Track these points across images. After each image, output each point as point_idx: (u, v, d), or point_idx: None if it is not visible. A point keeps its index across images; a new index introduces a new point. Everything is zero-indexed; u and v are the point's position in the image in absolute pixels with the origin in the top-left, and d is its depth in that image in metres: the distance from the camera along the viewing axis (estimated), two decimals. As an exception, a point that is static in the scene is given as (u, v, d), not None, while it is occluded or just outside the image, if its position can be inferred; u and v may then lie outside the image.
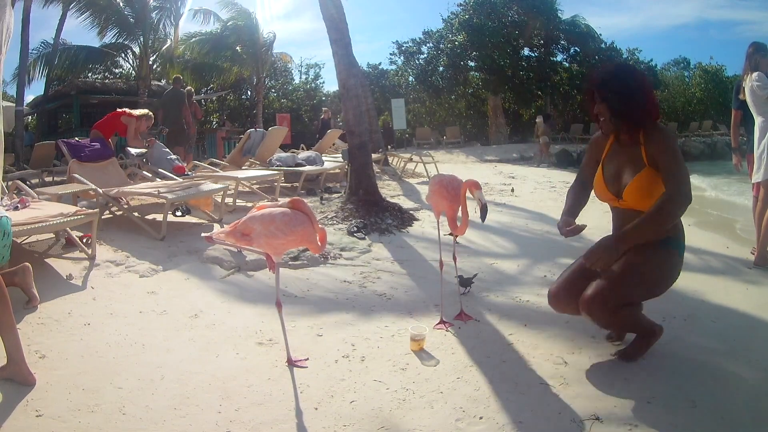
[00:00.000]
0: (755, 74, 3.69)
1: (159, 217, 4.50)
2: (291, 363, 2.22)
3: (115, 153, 5.58)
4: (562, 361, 2.24)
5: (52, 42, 13.82)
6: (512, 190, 7.58)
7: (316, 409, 1.90)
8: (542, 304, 2.95)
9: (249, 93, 22.38)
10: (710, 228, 5.27)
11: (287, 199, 2.26)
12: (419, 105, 24.74)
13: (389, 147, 12.78)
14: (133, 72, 16.50)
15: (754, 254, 3.78)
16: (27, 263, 2.82)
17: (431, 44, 23.11)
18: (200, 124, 13.92)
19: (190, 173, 5.94)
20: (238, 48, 17.30)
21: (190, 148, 8.80)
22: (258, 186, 6.28)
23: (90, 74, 17.13)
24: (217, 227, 4.47)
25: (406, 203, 5.99)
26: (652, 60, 24.59)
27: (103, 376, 2.10)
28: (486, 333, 2.57)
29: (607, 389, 2.00)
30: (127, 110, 6.05)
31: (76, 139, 5.33)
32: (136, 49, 14.77)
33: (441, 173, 3.04)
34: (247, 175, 5.78)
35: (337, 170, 7.96)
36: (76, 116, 15.41)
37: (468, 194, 2.50)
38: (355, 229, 4.48)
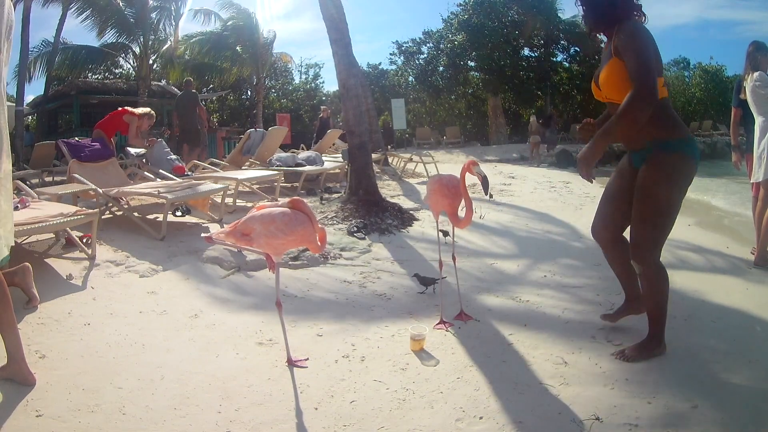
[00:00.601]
0: (756, 74, 3.68)
1: (159, 217, 4.50)
2: (291, 363, 2.22)
3: (115, 153, 5.57)
4: (562, 361, 2.24)
5: (52, 41, 13.82)
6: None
7: (316, 409, 1.90)
8: (542, 304, 2.96)
9: (249, 93, 22.41)
10: (710, 228, 5.26)
11: (287, 199, 2.26)
12: (419, 105, 24.75)
13: (389, 147, 12.78)
14: (133, 72, 16.52)
15: (754, 254, 3.78)
16: (27, 263, 2.82)
17: (431, 44, 23.15)
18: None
19: (189, 173, 5.94)
20: (238, 48, 17.31)
21: (204, 146, 9.27)
22: (258, 186, 6.28)
23: (90, 74, 17.17)
24: (217, 227, 4.47)
25: (406, 203, 5.99)
26: (652, 60, 24.53)
27: (103, 376, 2.10)
28: (486, 333, 2.57)
29: (607, 389, 2.00)
30: (129, 108, 6.03)
31: (76, 139, 5.32)
32: (136, 49, 14.78)
33: (440, 174, 3.04)
34: (247, 175, 5.77)
35: (337, 170, 7.96)
36: (76, 116, 15.41)
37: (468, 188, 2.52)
38: (355, 229, 4.48)
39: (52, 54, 13.71)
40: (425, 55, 23.38)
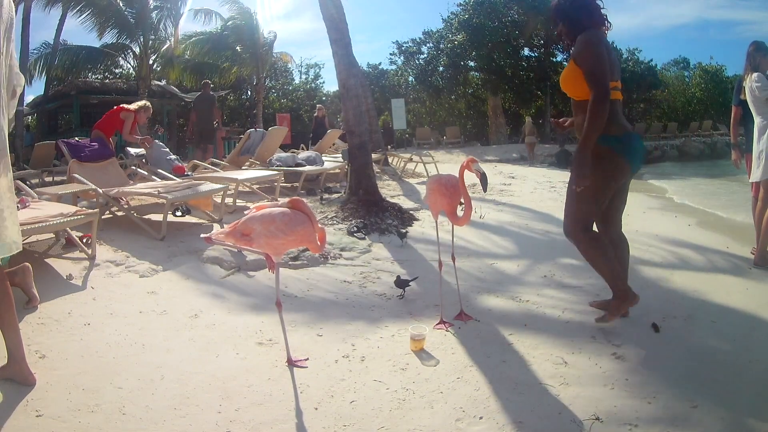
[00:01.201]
0: (755, 75, 3.69)
1: (159, 217, 4.50)
2: (291, 363, 2.22)
3: (115, 153, 5.57)
4: (562, 361, 2.24)
5: (52, 43, 13.81)
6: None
7: (316, 409, 1.90)
8: (542, 304, 2.96)
9: (249, 93, 22.39)
10: (710, 228, 5.26)
11: (287, 199, 2.26)
12: (419, 105, 24.77)
13: (389, 147, 12.77)
14: (133, 72, 16.49)
15: (753, 254, 3.78)
16: (27, 263, 2.82)
17: (431, 44, 23.16)
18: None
19: (189, 173, 5.94)
20: (238, 48, 17.27)
21: (215, 144, 10.43)
22: (258, 186, 6.28)
23: (90, 74, 17.12)
24: (217, 227, 4.47)
25: (406, 203, 5.99)
26: (652, 60, 24.55)
27: (103, 376, 2.10)
28: (486, 333, 2.57)
29: (607, 389, 2.00)
30: (124, 105, 6.00)
31: (76, 139, 5.32)
32: (136, 49, 14.75)
33: (439, 173, 3.05)
34: (247, 175, 5.77)
35: (337, 170, 7.96)
36: (76, 116, 15.41)
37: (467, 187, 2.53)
38: (355, 229, 4.48)
39: (52, 54, 13.71)
40: (425, 55, 23.41)
